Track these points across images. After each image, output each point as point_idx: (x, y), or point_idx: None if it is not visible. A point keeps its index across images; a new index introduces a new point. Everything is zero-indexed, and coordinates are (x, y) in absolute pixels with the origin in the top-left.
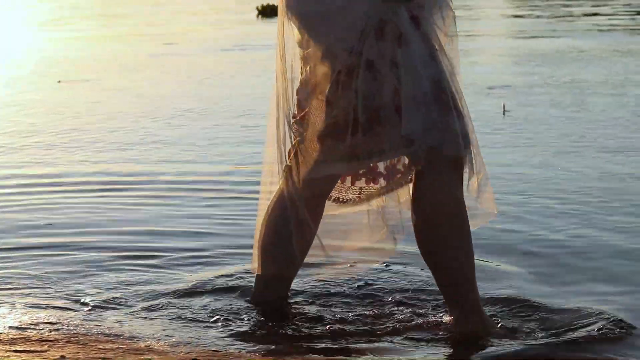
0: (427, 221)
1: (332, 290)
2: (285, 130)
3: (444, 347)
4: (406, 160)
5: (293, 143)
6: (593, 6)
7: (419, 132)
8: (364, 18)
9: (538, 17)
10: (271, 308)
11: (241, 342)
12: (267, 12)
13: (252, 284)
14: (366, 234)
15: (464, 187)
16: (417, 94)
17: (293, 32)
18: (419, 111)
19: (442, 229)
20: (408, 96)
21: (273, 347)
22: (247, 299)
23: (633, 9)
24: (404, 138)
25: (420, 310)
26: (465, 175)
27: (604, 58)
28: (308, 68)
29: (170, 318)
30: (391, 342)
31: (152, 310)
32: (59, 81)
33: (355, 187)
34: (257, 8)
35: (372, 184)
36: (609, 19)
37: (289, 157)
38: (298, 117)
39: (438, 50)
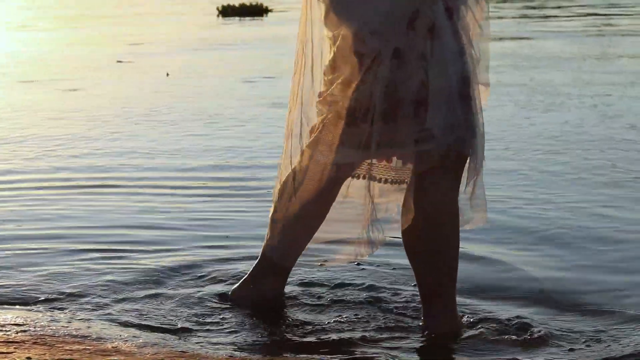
0: (428, 219)
1: (306, 289)
2: (299, 123)
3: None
4: None
5: (316, 122)
6: (561, 8)
7: (442, 129)
8: (399, 5)
9: (504, 18)
10: (246, 307)
11: (209, 343)
12: (228, 12)
13: (221, 282)
14: (350, 226)
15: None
16: (444, 89)
17: (321, 12)
18: (448, 106)
19: (445, 228)
20: (436, 91)
21: (240, 348)
22: (216, 295)
23: (597, 11)
24: (425, 133)
25: (396, 312)
26: (466, 175)
27: (571, 60)
28: (334, 49)
29: (138, 317)
30: (376, 352)
31: (120, 309)
32: (28, 81)
33: (364, 163)
34: (218, 8)
35: (384, 162)
36: (575, 20)
37: (310, 135)
38: (323, 97)
39: (466, 44)
